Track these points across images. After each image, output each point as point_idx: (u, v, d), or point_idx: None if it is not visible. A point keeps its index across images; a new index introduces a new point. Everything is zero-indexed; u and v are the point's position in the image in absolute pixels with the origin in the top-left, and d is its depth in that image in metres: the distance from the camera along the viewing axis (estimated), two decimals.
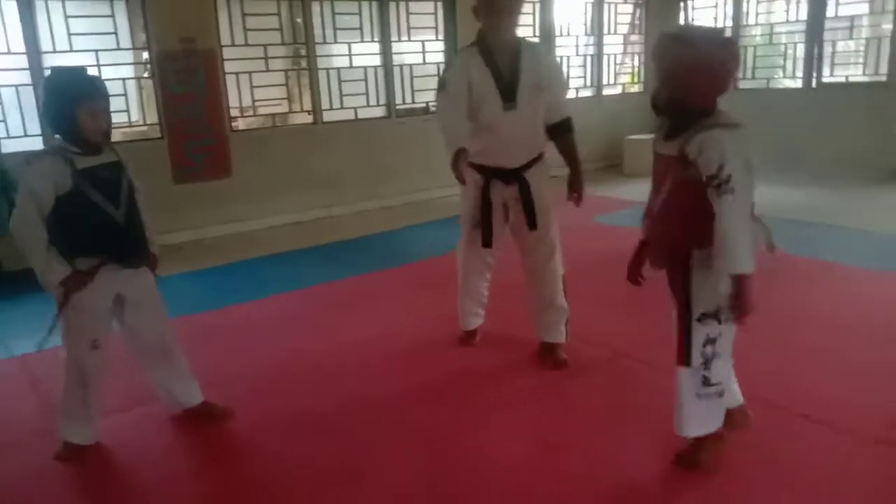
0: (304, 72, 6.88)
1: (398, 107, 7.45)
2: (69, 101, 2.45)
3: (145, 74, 6.11)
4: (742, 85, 8.57)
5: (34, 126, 5.51)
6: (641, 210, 2.46)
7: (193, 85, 6.06)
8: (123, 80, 5.89)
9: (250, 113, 6.61)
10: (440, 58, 7.71)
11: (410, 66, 7.50)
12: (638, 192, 3.71)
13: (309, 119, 6.92)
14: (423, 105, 7.68)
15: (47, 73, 3.16)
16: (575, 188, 3.29)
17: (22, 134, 5.50)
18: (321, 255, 5.70)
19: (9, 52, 5.39)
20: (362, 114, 7.25)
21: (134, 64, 6.06)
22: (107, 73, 5.66)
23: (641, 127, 8.55)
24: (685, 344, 2.29)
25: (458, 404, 3.05)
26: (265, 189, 6.56)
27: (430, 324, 3.93)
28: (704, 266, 2.20)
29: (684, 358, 2.30)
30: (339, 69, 7.02)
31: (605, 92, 9.30)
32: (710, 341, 2.28)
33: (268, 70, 6.60)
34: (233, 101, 6.43)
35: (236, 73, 6.39)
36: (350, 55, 7.08)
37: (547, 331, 3.43)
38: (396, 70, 7.38)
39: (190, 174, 6.18)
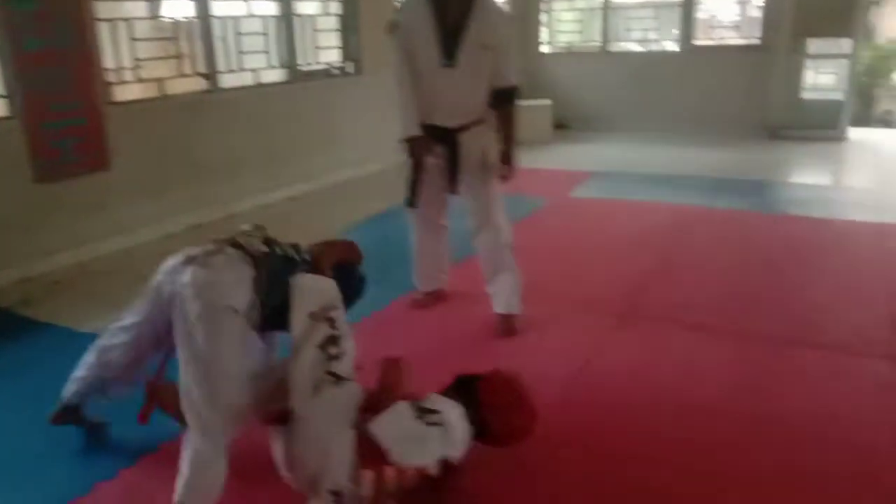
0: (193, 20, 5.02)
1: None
2: None
3: None
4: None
5: None
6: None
7: (56, 38, 4.03)
8: None
9: (130, 77, 4.65)
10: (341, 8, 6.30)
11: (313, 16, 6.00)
12: None
13: (203, 84, 5.14)
14: (325, 67, 6.25)
15: None
16: (505, 162, 3.03)
17: None
18: None
19: None
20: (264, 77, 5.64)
21: None
22: None
23: None
24: None
25: None
26: (152, 184, 4.75)
27: None
28: None
29: None
30: (236, 17, 5.30)
31: None
32: None
33: (153, 16, 4.69)
34: (108, 60, 4.46)
35: (110, 20, 4.43)
36: None
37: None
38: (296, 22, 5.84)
39: (55, 169, 4.18)
